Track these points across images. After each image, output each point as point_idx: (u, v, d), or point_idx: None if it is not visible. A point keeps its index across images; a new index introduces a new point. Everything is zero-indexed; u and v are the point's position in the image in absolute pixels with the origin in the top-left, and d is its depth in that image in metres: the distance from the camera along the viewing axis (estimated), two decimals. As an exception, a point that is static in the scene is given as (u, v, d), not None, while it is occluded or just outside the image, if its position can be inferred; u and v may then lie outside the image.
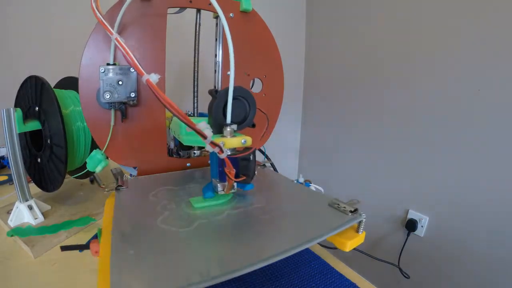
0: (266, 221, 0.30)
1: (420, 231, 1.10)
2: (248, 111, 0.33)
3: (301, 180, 0.44)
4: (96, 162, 0.42)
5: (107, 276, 0.21)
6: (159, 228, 0.28)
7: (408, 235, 1.13)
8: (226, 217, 0.31)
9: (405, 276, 1.03)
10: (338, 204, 0.32)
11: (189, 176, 0.45)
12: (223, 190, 0.32)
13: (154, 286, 0.20)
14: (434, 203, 1.06)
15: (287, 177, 0.44)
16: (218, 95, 0.31)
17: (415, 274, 1.08)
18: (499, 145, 0.87)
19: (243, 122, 0.33)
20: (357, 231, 0.30)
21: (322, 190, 0.43)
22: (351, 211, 0.31)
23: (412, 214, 1.12)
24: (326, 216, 0.31)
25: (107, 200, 0.37)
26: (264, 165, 0.49)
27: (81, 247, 0.41)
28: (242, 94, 0.32)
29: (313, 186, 0.43)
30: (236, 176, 0.30)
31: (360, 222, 0.30)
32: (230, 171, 0.29)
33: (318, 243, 0.40)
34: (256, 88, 0.53)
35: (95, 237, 0.46)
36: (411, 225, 1.11)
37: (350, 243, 0.29)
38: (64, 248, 0.36)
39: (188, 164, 0.48)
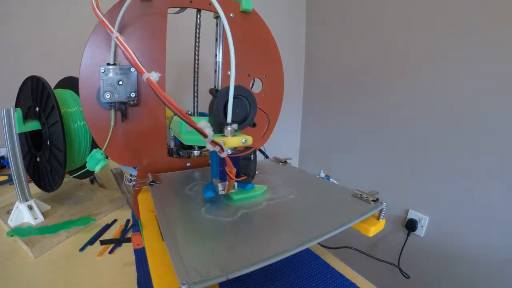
0: (302, 210, 0.32)
1: (420, 231, 1.10)
2: (248, 111, 0.34)
3: (322, 175, 0.47)
4: (96, 162, 0.42)
5: (159, 265, 0.23)
6: (206, 218, 0.29)
7: (408, 235, 1.13)
8: (266, 206, 0.32)
9: (405, 276, 1.03)
10: (361, 195, 0.35)
11: (192, 175, 0.45)
12: (224, 190, 0.32)
13: (221, 267, 0.21)
14: (434, 203, 1.06)
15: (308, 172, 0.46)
16: (218, 94, 0.31)
17: (415, 274, 1.08)
18: (499, 145, 0.87)
19: (243, 121, 0.34)
20: (378, 218, 0.33)
21: (337, 183, 0.45)
22: (373, 200, 0.33)
23: (412, 214, 1.12)
24: (352, 205, 0.33)
25: (138, 195, 0.38)
26: (285, 161, 0.50)
27: (121, 241, 0.41)
28: (242, 93, 0.32)
29: (332, 180, 0.45)
30: (237, 175, 0.30)
31: (381, 210, 0.32)
32: (231, 170, 0.29)
33: (318, 243, 0.40)
34: (256, 88, 0.53)
35: (134, 230, 0.46)
36: (411, 225, 1.11)
37: (373, 228, 0.31)
38: (103, 242, 0.37)
39: (188, 164, 0.48)
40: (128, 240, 0.35)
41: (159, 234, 0.28)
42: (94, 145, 0.53)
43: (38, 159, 0.52)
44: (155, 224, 0.30)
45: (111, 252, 0.42)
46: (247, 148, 0.31)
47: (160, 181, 0.39)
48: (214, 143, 0.27)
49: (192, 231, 0.27)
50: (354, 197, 0.35)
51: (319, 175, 0.46)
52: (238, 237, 0.26)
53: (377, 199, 0.33)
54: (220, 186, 0.32)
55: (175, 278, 0.19)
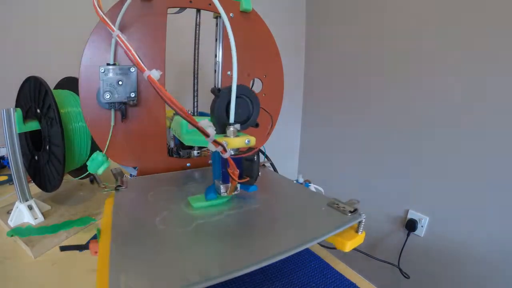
0: (265, 222, 0.30)
1: (420, 231, 1.10)
2: (251, 111, 0.33)
3: (301, 180, 0.44)
4: (98, 164, 0.41)
5: (105, 276, 0.21)
6: (158, 228, 0.28)
7: (408, 235, 1.13)
8: (225, 217, 0.30)
9: (405, 276, 1.03)
10: (338, 204, 0.32)
11: (189, 176, 0.45)
12: (226, 192, 0.31)
13: (153, 286, 0.20)
14: (434, 203, 1.06)
15: (286, 177, 0.44)
16: (220, 94, 0.30)
17: (415, 274, 1.08)
18: (499, 145, 0.87)
19: (246, 121, 0.33)
20: (357, 231, 0.30)
21: (322, 190, 0.43)
22: (350, 211, 0.30)
23: (412, 214, 1.12)
24: (325, 216, 0.31)
25: (106, 200, 0.37)
26: (264, 165, 0.49)
27: (80, 247, 0.41)
28: (245, 93, 0.32)
29: (312, 186, 0.43)
30: (240, 177, 0.29)
31: (359, 222, 0.30)
32: (234, 171, 0.28)
33: (318, 243, 0.40)
34: (256, 88, 0.53)
35: (95, 237, 0.46)
36: (411, 225, 1.11)
37: (350, 243, 0.29)
38: (63, 248, 0.36)
39: (188, 164, 0.48)
40: (87, 247, 0.33)
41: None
42: (94, 145, 0.53)
43: (38, 159, 0.52)
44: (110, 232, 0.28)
45: (111, 252, 0.42)
46: (250, 149, 0.30)
47: (127, 185, 0.38)
48: (216, 143, 0.26)
49: (138, 242, 0.25)
50: (329, 206, 0.32)
51: (297, 180, 0.43)
52: (179, 252, 0.24)
53: (355, 209, 0.30)
54: (222, 188, 0.31)
55: None
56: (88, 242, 0.35)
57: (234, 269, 0.21)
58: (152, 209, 0.32)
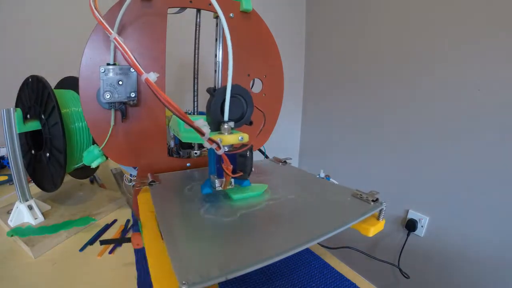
0: (301, 211, 0.32)
1: (420, 231, 1.10)
2: (245, 109, 0.34)
3: (322, 175, 0.47)
4: (93, 158, 0.42)
5: (164, 267, 0.22)
6: (205, 218, 0.29)
7: (408, 235, 1.13)
8: (265, 207, 0.32)
9: (405, 276, 1.03)
10: (361, 195, 0.35)
11: (192, 175, 0.45)
12: (221, 186, 0.33)
13: (224, 266, 0.21)
14: (434, 203, 1.06)
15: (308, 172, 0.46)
16: (216, 93, 0.31)
17: (415, 274, 1.08)
18: (499, 145, 0.87)
19: (240, 119, 0.34)
20: (378, 219, 0.33)
21: (337, 183, 0.45)
22: (373, 200, 0.33)
23: (412, 214, 1.12)
24: (351, 205, 0.33)
25: (138, 195, 0.38)
26: (285, 161, 0.50)
27: (121, 241, 0.41)
28: (239, 92, 0.33)
29: (332, 180, 0.45)
30: (233, 172, 0.31)
31: (381, 210, 0.33)
32: (228, 167, 0.30)
33: (318, 243, 0.41)
34: (256, 88, 0.53)
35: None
36: (411, 225, 1.11)
37: (373, 228, 0.32)
38: (103, 242, 0.37)
39: (188, 164, 0.48)
40: (128, 240, 0.35)
41: (158, 234, 0.28)
42: (94, 145, 0.53)
43: (38, 159, 0.52)
44: (155, 224, 0.30)
45: (111, 252, 0.42)
46: (243, 145, 0.31)
47: (160, 181, 0.39)
48: (211, 140, 0.27)
49: (191, 231, 0.27)
50: (353, 197, 0.35)
51: (319, 175, 0.46)
52: (237, 237, 0.26)
53: (377, 199, 0.33)
54: (217, 183, 0.32)
55: (175, 278, 0.19)
56: (128, 236, 0.36)
57: (284, 250, 0.23)
58: (193, 202, 0.33)
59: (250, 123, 0.36)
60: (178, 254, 0.22)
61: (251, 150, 0.32)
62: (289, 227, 0.29)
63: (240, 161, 0.32)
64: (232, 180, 0.33)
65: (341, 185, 0.40)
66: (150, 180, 0.38)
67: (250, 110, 0.34)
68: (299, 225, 0.29)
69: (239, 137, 0.30)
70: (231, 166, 0.30)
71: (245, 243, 0.25)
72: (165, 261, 0.23)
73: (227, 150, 0.30)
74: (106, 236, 0.47)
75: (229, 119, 0.31)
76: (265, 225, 0.29)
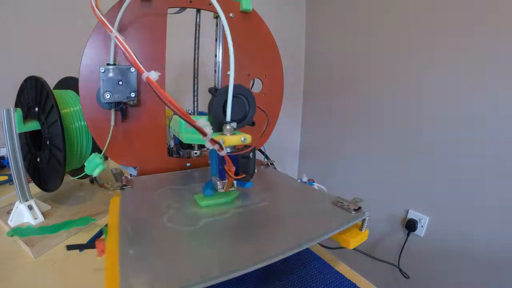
0: (271, 220, 0.30)
1: (420, 231, 1.10)
2: (247, 109, 0.33)
3: (305, 179, 0.45)
4: (94, 166, 0.42)
5: (114, 275, 0.21)
6: (166, 226, 0.28)
7: (408, 235, 1.13)
8: (232, 216, 0.31)
9: (405, 276, 1.03)
10: (342, 203, 0.33)
11: (192, 175, 0.45)
12: (223, 188, 0.32)
13: (162, 285, 0.20)
14: (434, 203, 1.06)
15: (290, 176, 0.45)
16: (218, 93, 0.31)
17: (415, 274, 1.08)
18: (499, 145, 0.87)
19: (242, 120, 0.34)
20: (361, 229, 0.30)
21: (325, 189, 0.44)
22: (354, 210, 0.31)
23: (412, 214, 1.12)
24: (330, 214, 0.31)
25: (112, 199, 0.37)
26: (267, 164, 0.50)
27: (86, 246, 0.41)
28: (241, 92, 0.32)
29: (316, 185, 0.43)
30: (236, 174, 0.30)
31: (363, 220, 0.30)
32: (230, 168, 0.29)
33: (318, 243, 0.40)
34: (256, 88, 0.53)
35: (96, 236, 0.46)
36: (411, 225, 1.11)
37: (354, 240, 0.29)
38: (70, 247, 0.36)
39: (188, 164, 0.48)
40: (93, 246, 0.33)
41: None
42: (94, 145, 0.53)
43: (38, 159, 0.52)
44: (117, 231, 0.28)
45: (111, 252, 0.42)
46: (246, 146, 0.31)
47: (133, 184, 0.38)
48: (213, 141, 0.27)
49: (147, 240, 0.25)
50: (334, 205, 0.33)
51: (301, 179, 0.44)
52: (191, 250, 0.25)
53: (359, 208, 0.31)
54: (219, 184, 0.32)
55: None
56: (90, 241, 0.35)
57: (233, 269, 0.21)
58: (159, 208, 0.32)
59: (253, 124, 0.35)
60: (127, 266, 0.21)
61: (254, 151, 0.31)
62: (251, 240, 0.26)
63: (242, 162, 0.31)
64: (235, 182, 0.32)
65: (322, 191, 0.38)
66: (123, 183, 0.37)
67: (253, 110, 0.34)
68: (264, 237, 0.27)
69: (242, 138, 0.29)
70: (234, 167, 0.29)
71: (193, 258, 0.24)
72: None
73: (229, 151, 0.29)
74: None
75: (231, 119, 0.30)
76: (225, 236, 0.27)
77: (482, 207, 0.92)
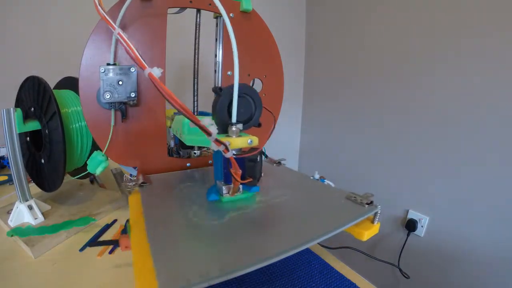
0: (293, 213, 0.31)
1: (420, 231, 1.10)
2: (254, 110, 0.32)
3: (317, 176, 0.46)
4: (97, 164, 0.42)
5: (144, 269, 0.22)
6: (193, 221, 0.29)
7: (408, 235, 1.13)
8: (255, 209, 0.31)
9: (405, 276, 1.03)
10: (355, 197, 0.34)
11: (192, 175, 0.45)
12: (228, 193, 0.31)
13: (202, 273, 0.20)
14: (434, 203, 1.06)
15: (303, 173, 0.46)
16: (222, 93, 0.29)
17: (415, 274, 1.08)
18: (499, 145, 0.87)
19: (249, 121, 0.32)
20: (373, 222, 0.32)
21: (333, 185, 0.44)
22: (367, 203, 0.32)
23: (412, 214, 1.12)
24: (345, 208, 0.32)
25: (130, 196, 0.37)
26: (279, 162, 0.50)
27: (111, 243, 0.41)
28: (247, 92, 0.31)
29: (327, 182, 0.44)
30: (242, 177, 0.29)
31: (375, 214, 0.32)
32: (236, 172, 0.28)
33: (318, 243, 0.40)
34: (256, 88, 0.53)
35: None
36: (411, 225, 1.11)
37: (367, 233, 0.31)
38: (93, 245, 0.37)
39: (188, 164, 0.48)
40: (116, 242, 0.34)
41: (145, 237, 0.27)
42: (94, 145, 0.53)
43: (38, 159, 0.52)
44: (143, 227, 0.29)
45: (111, 252, 0.42)
46: (252, 149, 0.29)
47: (151, 182, 0.38)
48: (218, 142, 0.25)
49: (177, 234, 0.26)
50: (347, 199, 0.34)
51: (313, 176, 0.45)
52: (222, 242, 0.25)
53: (371, 202, 0.32)
54: (224, 189, 0.31)
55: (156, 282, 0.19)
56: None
57: (269, 256, 0.22)
58: (183, 204, 0.33)
59: (259, 125, 0.34)
60: (162, 258, 0.22)
61: (261, 154, 0.30)
62: (279, 230, 0.28)
63: (249, 165, 0.30)
64: (241, 186, 0.32)
65: (335, 187, 0.39)
66: (141, 181, 0.37)
67: (259, 111, 0.32)
68: (289, 228, 0.28)
69: (248, 140, 0.28)
70: (240, 171, 0.28)
71: (229, 248, 0.24)
72: (149, 265, 0.22)
73: (235, 153, 0.28)
74: (106, 236, 0.47)
75: (237, 120, 0.29)
76: (253, 229, 0.28)
77: (482, 207, 0.92)
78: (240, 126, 0.29)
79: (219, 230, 0.27)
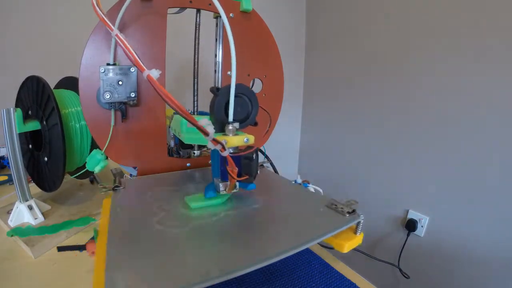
0: (263, 223, 0.30)
1: (420, 231, 1.10)
2: (250, 109, 0.33)
3: (299, 180, 0.44)
4: (96, 162, 0.42)
5: (102, 276, 0.20)
6: (155, 228, 0.28)
7: (408, 235, 1.13)
8: (223, 218, 0.30)
9: (405, 276, 1.03)
10: (336, 205, 0.32)
11: (189, 176, 0.45)
12: (225, 190, 0.31)
13: (150, 286, 0.19)
14: (434, 203, 1.06)
15: (285, 177, 0.44)
16: (219, 93, 0.30)
17: (415, 274, 1.08)
18: (499, 145, 0.87)
19: (245, 120, 0.33)
20: (355, 232, 0.30)
21: (321, 191, 0.43)
22: (348, 212, 0.30)
23: (412, 214, 1.12)
24: (323, 217, 0.31)
25: (104, 200, 0.37)
26: (262, 165, 0.49)
27: (77, 248, 0.41)
28: (244, 92, 0.32)
29: (311, 187, 0.43)
30: (238, 175, 0.30)
31: (358, 223, 0.30)
32: (233, 169, 0.28)
33: (318, 243, 0.40)
34: (256, 88, 0.53)
35: (94, 237, 0.46)
36: (411, 225, 1.11)
37: (348, 244, 0.29)
38: (61, 249, 0.36)
39: (188, 164, 0.48)
40: (84, 247, 0.33)
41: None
42: (94, 145, 0.53)
43: (38, 159, 0.52)
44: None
45: (111, 252, 0.42)
46: (248, 147, 0.30)
47: (125, 186, 0.38)
48: (215, 141, 0.26)
49: (134, 242, 0.25)
50: (328, 207, 0.32)
51: (295, 181, 0.44)
52: (177, 253, 0.24)
53: (354, 210, 0.30)
54: (221, 186, 0.31)
55: None
56: (79, 244, 0.35)
57: (232, 270, 0.21)
58: (150, 210, 0.31)
59: (255, 124, 0.35)
60: (113, 268, 0.21)
61: (257, 152, 0.30)
62: (242, 243, 0.26)
63: (245, 163, 0.30)
64: (237, 183, 0.32)
65: (319, 193, 0.38)
66: (115, 184, 0.37)
67: (256, 110, 0.33)
68: (255, 240, 0.26)
69: (245, 139, 0.29)
70: (237, 168, 0.29)
71: (185, 259, 0.23)
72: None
73: (231, 152, 0.29)
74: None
75: (234, 119, 0.30)
76: (215, 239, 0.27)
77: (482, 207, 0.92)
78: (236, 125, 0.30)
79: (182, 239, 0.26)
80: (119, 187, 0.37)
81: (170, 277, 0.20)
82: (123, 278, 0.20)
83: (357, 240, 0.30)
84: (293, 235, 0.27)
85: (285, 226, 0.29)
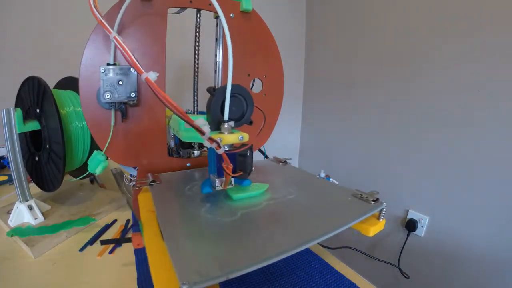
0: (303, 210, 0.32)
1: (420, 231, 1.10)
2: (245, 109, 0.34)
3: (323, 175, 0.47)
4: (97, 163, 0.42)
5: (161, 265, 0.22)
6: (206, 218, 0.29)
7: (408, 235, 1.13)
8: (265, 206, 0.33)
9: (405, 276, 1.03)
10: (361, 195, 0.35)
11: (192, 175, 0.45)
12: (221, 186, 0.33)
13: (225, 266, 0.21)
14: (434, 203, 1.06)
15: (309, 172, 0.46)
16: (216, 93, 0.31)
17: (415, 274, 1.08)
18: (499, 145, 0.87)
19: (240, 119, 0.34)
20: (378, 219, 0.33)
21: (338, 184, 0.45)
22: (373, 200, 0.33)
23: (412, 214, 1.12)
24: (351, 205, 0.33)
25: (139, 195, 0.38)
26: (285, 161, 0.50)
27: (121, 241, 0.42)
28: (239, 92, 0.33)
29: (332, 180, 0.45)
30: (233, 171, 0.31)
31: (381, 210, 0.33)
32: (228, 166, 0.30)
33: (318, 243, 0.41)
34: (256, 88, 0.53)
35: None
36: (411, 225, 1.11)
37: (373, 228, 0.32)
38: (103, 242, 0.37)
39: (188, 164, 0.48)
40: (129, 240, 0.35)
41: (159, 234, 0.28)
42: (93, 145, 0.53)
43: (38, 159, 0.52)
44: (155, 224, 0.30)
45: (111, 252, 0.42)
46: (243, 145, 0.31)
47: (160, 181, 0.39)
48: (211, 140, 0.28)
49: (192, 231, 0.27)
50: (354, 197, 0.35)
51: (319, 175, 0.46)
52: (238, 237, 0.26)
53: (377, 199, 0.33)
54: (217, 182, 0.32)
55: (176, 278, 0.19)
56: (128, 236, 0.36)
57: (285, 250, 0.23)
58: (194, 202, 0.33)
59: (250, 123, 0.36)
60: (179, 254, 0.22)
61: (251, 149, 0.32)
62: (289, 227, 0.29)
63: (240, 160, 0.32)
64: (232, 179, 0.33)
65: (341, 185, 0.40)
66: (151, 180, 0.38)
67: (250, 109, 0.34)
68: (299, 225, 0.29)
69: (239, 137, 0.30)
70: (231, 165, 0.30)
71: (245, 243, 0.25)
72: (165, 261, 0.23)
73: (227, 149, 0.30)
74: (106, 236, 0.47)
75: (229, 118, 0.31)
76: (265, 225, 0.29)
77: (482, 207, 0.92)
78: (232, 123, 0.31)
79: (232, 227, 0.28)
80: (155, 182, 0.38)
81: (239, 258, 0.22)
82: (193, 262, 0.21)
83: (380, 225, 0.32)
84: (332, 219, 0.30)
85: (323, 212, 0.32)
